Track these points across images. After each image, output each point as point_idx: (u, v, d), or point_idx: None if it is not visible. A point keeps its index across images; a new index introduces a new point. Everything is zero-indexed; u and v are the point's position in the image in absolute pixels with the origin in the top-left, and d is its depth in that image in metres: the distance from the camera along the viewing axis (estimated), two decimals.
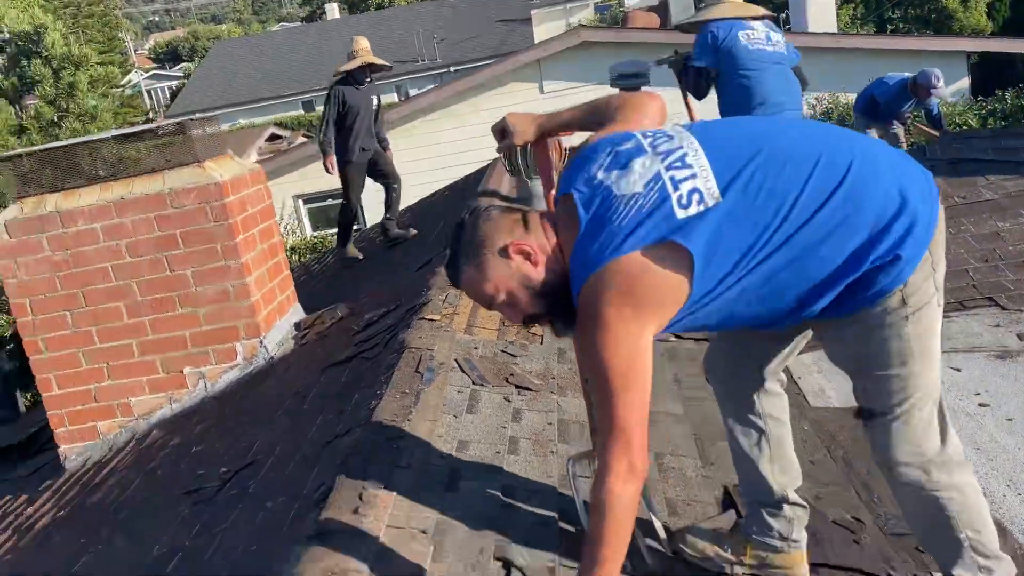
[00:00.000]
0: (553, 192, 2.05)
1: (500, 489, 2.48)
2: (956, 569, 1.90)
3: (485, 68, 14.18)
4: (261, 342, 4.74)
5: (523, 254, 1.79)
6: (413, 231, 7.28)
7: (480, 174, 8.22)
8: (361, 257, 7.34)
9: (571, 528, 2.33)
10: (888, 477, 1.93)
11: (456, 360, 3.38)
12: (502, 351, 3.57)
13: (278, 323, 4.95)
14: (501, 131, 2.12)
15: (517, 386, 3.24)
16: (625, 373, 1.65)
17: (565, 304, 1.76)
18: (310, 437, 3.09)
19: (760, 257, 1.68)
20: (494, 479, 2.54)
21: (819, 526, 2.43)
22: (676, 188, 1.69)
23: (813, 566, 2.20)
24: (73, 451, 4.58)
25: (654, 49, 13.45)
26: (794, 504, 2.13)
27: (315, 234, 14.92)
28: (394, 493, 2.35)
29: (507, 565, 2.12)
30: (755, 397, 2.08)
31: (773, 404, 2.09)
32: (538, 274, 1.79)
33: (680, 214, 1.68)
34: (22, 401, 6.59)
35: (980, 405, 3.29)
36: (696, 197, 1.68)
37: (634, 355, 1.66)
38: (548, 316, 1.84)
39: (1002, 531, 2.52)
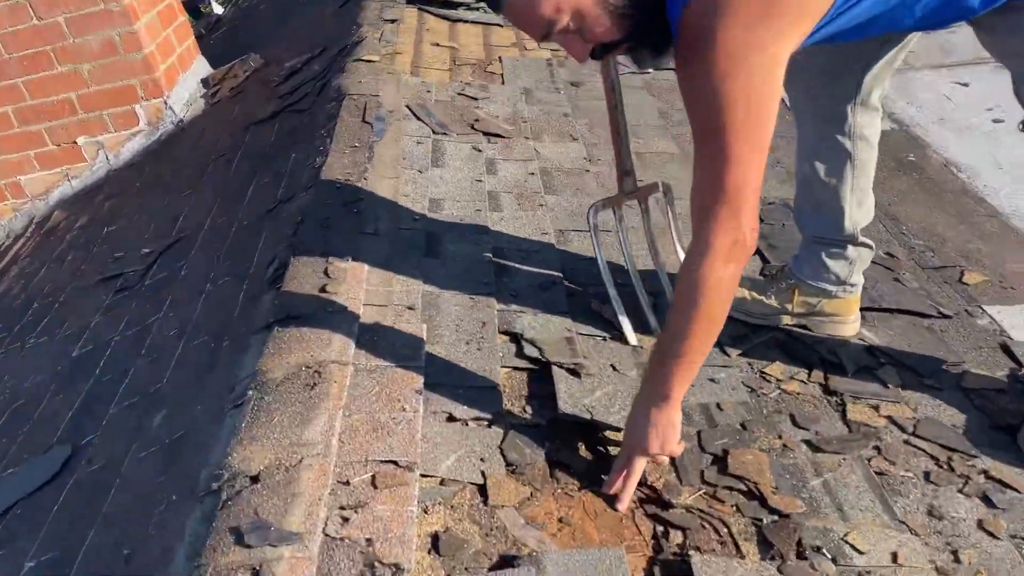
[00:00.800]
0: None
1: (491, 251, 2.08)
2: None
3: None
4: (165, 102, 4.05)
5: None
6: None
7: None
8: None
9: (581, 289, 1.97)
10: None
11: (408, 106, 2.84)
12: (459, 94, 3.04)
13: (181, 79, 4.22)
14: None
15: (485, 133, 2.75)
16: (749, 116, 1.20)
17: (656, 23, 1.24)
18: (245, 205, 2.60)
19: None
20: (481, 240, 2.13)
21: None
22: None
23: (859, 311, 1.93)
24: None
25: None
26: (861, 244, 1.80)
27: None
28: (365, 265, 1.93)
29: (516, 339, 1.77)
30: (848, 111, 1.67)
31: (868, 121, 1.69)
32: None
33: None
34: None
35: (994, 121, 3.00)
36: None
37: (764, 91, 1.20)
38: (631, 43, 1.29)
39: None
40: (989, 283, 2.15)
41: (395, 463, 1.37)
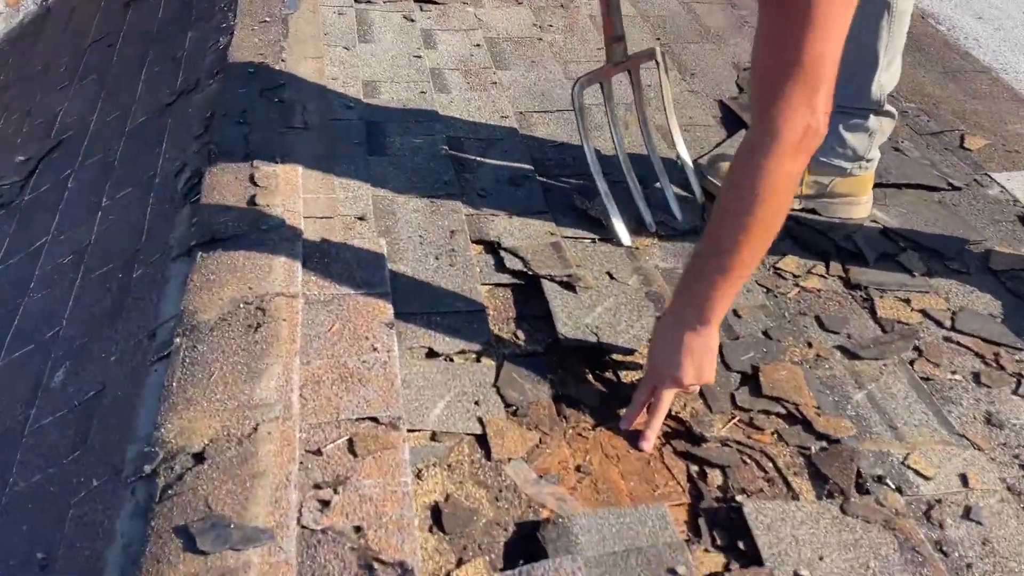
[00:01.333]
0: None
1: (445, 143, 1.76)
2: None
3: None
4: None
5: None
6: None
7: None
8: None
9: (558, 182, 1.69)
10: None
11: None
12: None
13: None
14: None
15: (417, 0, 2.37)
16: None
17: None
18: (138, 98, 2.18)
19: None
20: (432, 129, 1.80)
21: None
22: None
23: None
24: None
25: None
26: (885, 113, 1.56)
27: None
28: (299, 167, 1.60)
29: (493, 248, 1.49)
30: None
31: None
32: None
33: None
34: None
35: None
36: None
37: None
38: None
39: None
40: (992, 147, 1.96)
41: (375, 420, 1.11)
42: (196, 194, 1.53)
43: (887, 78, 1.51)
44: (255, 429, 1.07)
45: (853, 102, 1.54)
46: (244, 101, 1.77)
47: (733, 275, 1.08)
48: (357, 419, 1.11)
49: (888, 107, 1.56)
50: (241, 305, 1.26)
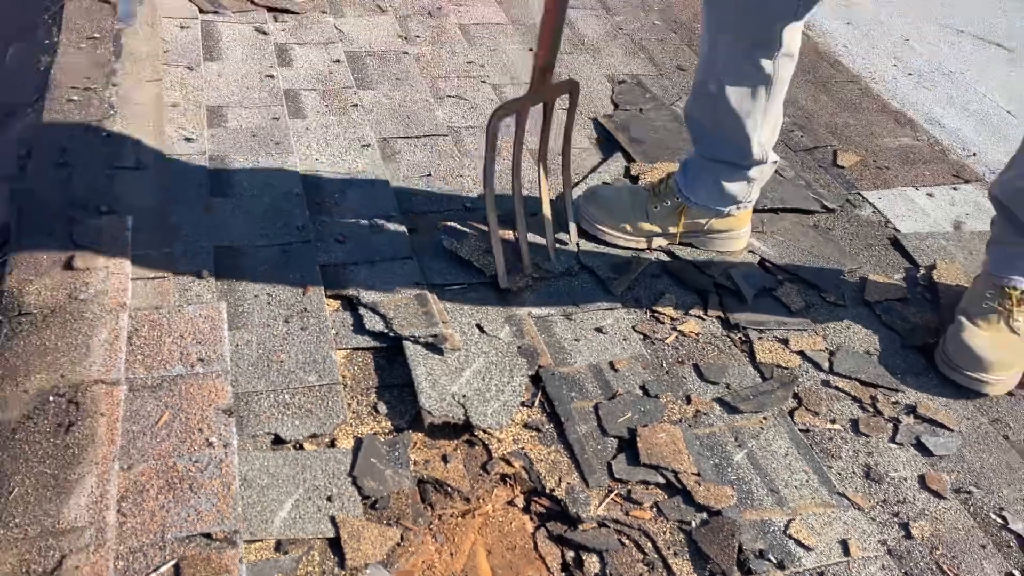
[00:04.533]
0: None
1: (299, 180, 1.61)
2: None
3: None
4: None
5: None
6: None
7: None
8: None
9: (426, 223, 1.57)
10: None
11: None
12: None
13: None
14: None
15: (270, 8, 2.18)
16: None
17: None
18: None
19: None
20: (284, 163, 1.65)
21: None
22: None
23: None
24: None
25: None
26: (767, 162, 1.49)
27: None
28: (129, 218, 1.42)
29: (351, 304, 1.36)
30: (780, 31, 1.31)
31: (795, 35, 1.35)
32: None
33: None
34: None
35: None
36: None
37: None
38: None
39: (907, 122, 2.12)
40: (864, 164, 1.95)
41: (208, 536, 0.97)
42: (2, 253, 1.34)
43: (767, 135, 1.44)
44: (59, 563, 0.91)
45: (735, 159, 1.47)
46: (65, 137, 1.57)
47: None
48: (186, 537, 0.97)
49: (773, 156, 1.50)
50: (51, 399, 1.09)
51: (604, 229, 1.57)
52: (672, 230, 1.57)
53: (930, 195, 1.87)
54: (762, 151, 1.45)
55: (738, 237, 1.60)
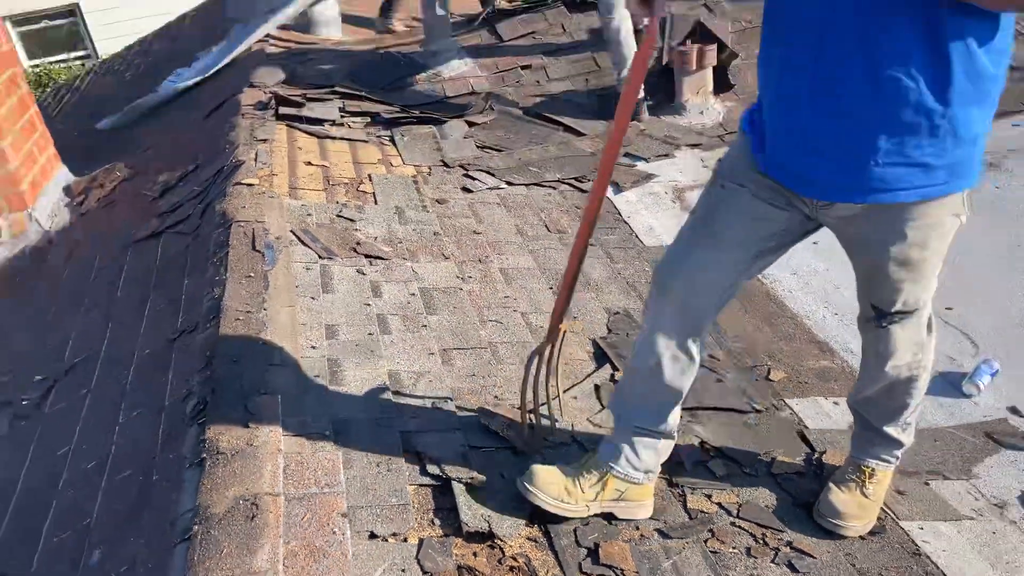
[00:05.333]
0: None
1: (387, 375, 2.39)
2: (888, 426, 1.99)
3: None
4: (30, 215, 4.10)
5: None
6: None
7: None
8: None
9: (469, 407, 2.32)
10: (884, 367, 1.90)
11: (293, 232, 3.12)
12: (338, 216, 3.35)
13: (44, 189, 4.29)
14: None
15: (367, 256, 3.07)
16: None
17: None
18: (143, 332, 2.77)
19: None
20: (377, 365, 2.44)
21: None
22: None
23: (687, 410, 2.37)
24: None
25: None
26: (669, 436, 1.99)
27: (34, 64, 12.76)
28: (279, 396, 2.19)
29: (419, 457, 2.09)
30: (708, 321, 1.87)
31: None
32: None
33: None
34: None
35: None
36: None
37: None
38: None
39: (828, 350, 2.86)
40: (789, 379, 2.68)
41: None
42: (202, 417, 2.11)
43: (677, 413, 2.01)
44: None
45: (653, 426, 1.95)
46: (236, 344, 2.39)
47: None
48: None
49: (672, 432, 1.99)
50: (241, 501, 1.81)
51: (546, 500, 1.92)
52: (600, 497, 1.95)
53: (836, 403, 2.57)
54: (674, 424, 1.96)
55: (645, 506, 1.98)
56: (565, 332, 2.21)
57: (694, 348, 1.88)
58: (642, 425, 1.96)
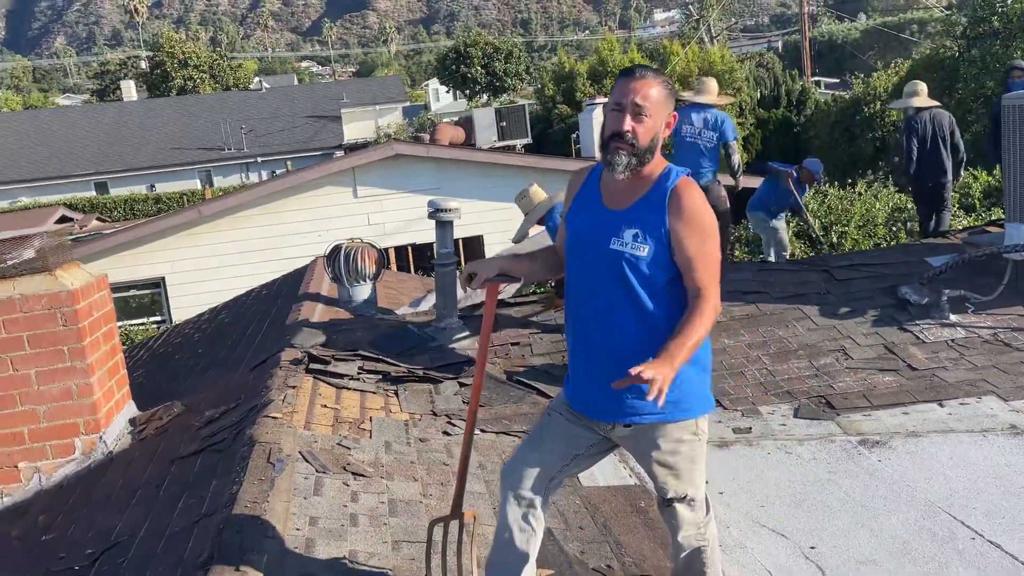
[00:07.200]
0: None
1: (347, 553, 3.19)
2: None
3: (302, 171, 14.88)
4: (101, 437, 5.10)
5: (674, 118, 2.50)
6: None
7: (300, 272, 8.88)
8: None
9: None
10: (677, 536, 2.63)
11: (300, 452, 4.05)
12: (338, 444, 4.29)
13: (116, 419, 5.33)
14: (468, 276, 2.75)
15: (353, 473, 3.96)
16: None
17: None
18: (175, 517, 3.63)
19: None
20: (341, 545, 3.24)
21: (582, 573, 3.33)
22: None
23: None
24: None
25: (462, 166, 14.84)
26: None
27: (120, 325, 14.57)
28: (265, 556, 3.00)
29: None
30: (549, 498, 2.69)
31: (549, 506, 2.76)
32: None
33: None
34: None
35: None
36: None
37: None
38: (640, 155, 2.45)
39: None
40: None
41: None
42: (208, 564, 2.92)
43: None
44: None
45: None
46: (241, 523, 3.24)
47: (693, 345, 2.36)
48: None
49: None
50: None
51: None
52: None
53: None
54: None
55: None
56: (475, 517, 3.04)
57: (536, 521, 2.66)
58: None
